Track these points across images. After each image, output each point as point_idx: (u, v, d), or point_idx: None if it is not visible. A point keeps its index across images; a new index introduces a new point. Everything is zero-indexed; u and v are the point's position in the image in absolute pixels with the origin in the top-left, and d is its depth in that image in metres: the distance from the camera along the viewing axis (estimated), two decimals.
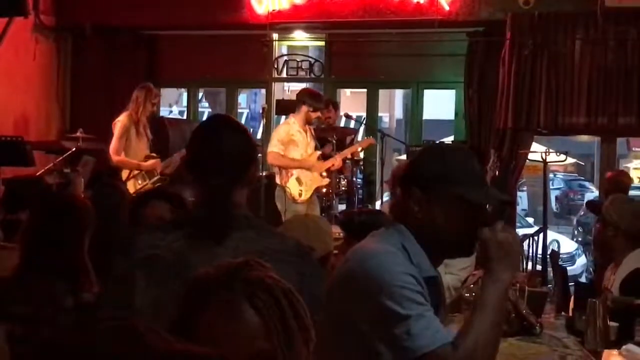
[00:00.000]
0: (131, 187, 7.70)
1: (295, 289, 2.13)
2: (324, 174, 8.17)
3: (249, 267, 1.62)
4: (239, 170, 2.46)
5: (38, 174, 7.80)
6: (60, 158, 8.05)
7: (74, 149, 8.09)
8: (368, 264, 2.33)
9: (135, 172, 7.85)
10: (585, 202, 17.16)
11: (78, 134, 8.28)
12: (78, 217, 3.45)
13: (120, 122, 7.75)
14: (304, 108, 7.93)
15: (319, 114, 8.06)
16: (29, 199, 7.30)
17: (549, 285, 4.92)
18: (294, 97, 8.63)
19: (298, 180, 7.97)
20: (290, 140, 7.92)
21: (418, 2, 8.93)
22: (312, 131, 8.20)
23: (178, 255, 2.34)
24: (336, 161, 8.21)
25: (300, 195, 7.94)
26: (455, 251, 2.54)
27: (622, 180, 7.83)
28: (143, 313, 2.29)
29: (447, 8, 8.86)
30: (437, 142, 10.62)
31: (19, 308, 3.16)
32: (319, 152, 8.16)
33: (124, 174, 7.80)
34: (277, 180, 8.04)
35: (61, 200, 3.62)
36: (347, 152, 8.46)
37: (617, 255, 4.44)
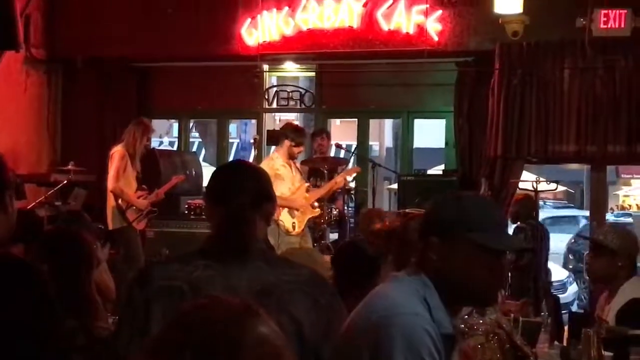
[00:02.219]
0: (131, 215, 7.97)
1: (307, 321, 2.12)
2: (315, 204, 8.18)
3: (245, 315, 1.53)
4: (255, 203, 2.52)
5: (29, 207, 7.80)
6: (52, 191, 8.05)
7: (65, 182, 8.10)
8: (394, 321, 2.27)
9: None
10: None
11: (69, 166, 8.30)
12: (85, 253, 3.46)
13: (118, 152, 7.93)
14: (287, 142, 7.98)
15: (301, 148, 8.14)
16: (20, 232, 7.29)
17: (543, 313, 4.91)
18: None
19: (290, 212, 7.98)
20: (275, 175, 7.91)
21: (407, 33, 8.99)
22: (296, 164, 8.24)
23: (195, 286, 2.38)
24: (322, 193, 8.23)
25: (294, 227, 7.94)
26: (475, 300, 2.49)
27: (530, 204, 8.44)
28: None
29: (436, 38, 8.92)
30: (428, 171, 10.67)
31: None
32: (307, 184, 8.19)
33: (123, 203, 7.97)
34: None
35: (66, 237, 3.62)
36: (333, 182, 8.46)
37: (612, 284, 4.44)
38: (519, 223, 8.40)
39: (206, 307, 1.49)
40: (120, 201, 7.96)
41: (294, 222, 7.97)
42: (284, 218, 7.95)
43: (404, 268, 2.52)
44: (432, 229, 2.41)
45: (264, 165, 8.13)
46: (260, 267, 2.43)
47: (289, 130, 8.17)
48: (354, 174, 8.91)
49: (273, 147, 10.38)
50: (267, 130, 10.40)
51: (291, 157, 8.05)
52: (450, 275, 2.36)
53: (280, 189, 7.94)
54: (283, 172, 7.95)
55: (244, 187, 2.53)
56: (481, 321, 3.62)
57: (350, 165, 10.07)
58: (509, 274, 7.53)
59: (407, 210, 7.31)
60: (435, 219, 2.43)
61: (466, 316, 3.72)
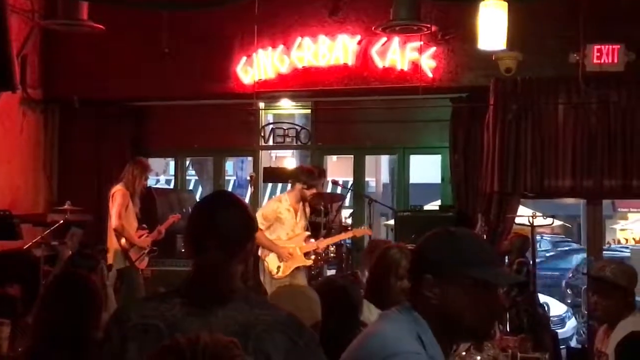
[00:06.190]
0: (133, 255, 8.08)
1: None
2: (312, 256, 8.14)
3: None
4: (234, 246, 2.49)
5: (26, 247, 7.78)
6: (48, 231, 8.05)
7: (61, 222, 8.10)
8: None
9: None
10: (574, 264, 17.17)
11: (66, 206, 8.30)
12: (91, 296, 3.50)
13: (119, 191, 8.05)
14: (298, 186, 8.00)
15: (314, 190, 8.10)
16: (16, 272, 7.28)
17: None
18: (280, 165, 8.69)
19: (278, 256, 7.95)
20: (276, 218, 7.94)
21: (402, 70, 9.05)
22: (306, 210, 8.21)
23: (171, 324, 2.37)
24: (320, 245, 8.20)
25: (277, 270, 7.92)
26: (472, 335, 2.50)
27: (526, 242, 8.47)
28: None
29: (430, 75, 8.98)
30: (424, 207, 10.66)
31: None
32: (307, 233, 8.17)
33: (126, 243, 8.08)
34: (259, 253, 8.01)
35: (78, 282, 3.64)
36: (336, 239, 8.45)
37: (611, 317, 4.44)
38: (520, 258, 8.37)
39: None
40: (123, 241, 8.01)
41: (279, 266, 7.96)
42: (270, 260, 7.95)
43: None
44: (426, 267, 2.38)
45: (270, 205, 8.17)
46: (238, 306, 2.41)
47: (301, 173, 8.19)
48: (362, 235, 8.81)
49: (270, 185, 10.40)
50: (264, 168, 10.42)
51: (303, 199, 8.05)
52: (448, 311, 2.34)
53: (278, 232, 7.96)
54: (285, 217, 7.96)
55: (218, 234, 2.47)
56: (479, 357, 3.62)
57: (348, 201, 10.07)
58: (507, 310, 7.54)
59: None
60: (429, 258, 2.40)
61: (464, 353, 3.71)
